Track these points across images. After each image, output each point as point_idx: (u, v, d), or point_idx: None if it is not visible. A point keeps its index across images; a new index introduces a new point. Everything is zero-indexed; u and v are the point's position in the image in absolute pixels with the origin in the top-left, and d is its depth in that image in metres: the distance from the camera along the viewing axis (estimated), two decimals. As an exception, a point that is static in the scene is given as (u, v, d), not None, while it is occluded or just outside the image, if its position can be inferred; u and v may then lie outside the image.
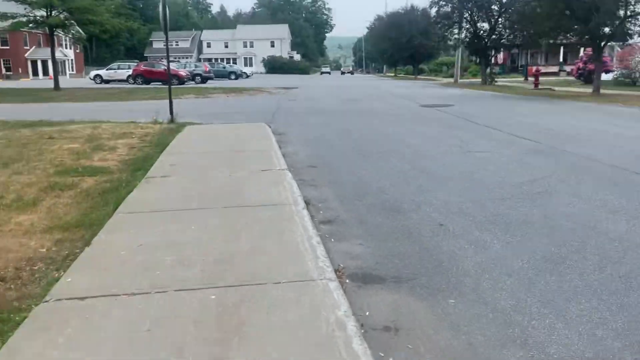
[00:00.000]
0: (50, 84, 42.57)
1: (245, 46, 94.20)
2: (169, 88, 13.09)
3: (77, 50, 74.75)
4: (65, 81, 50.76)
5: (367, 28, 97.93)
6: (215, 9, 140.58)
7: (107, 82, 42.45)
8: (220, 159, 7.62)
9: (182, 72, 39.35)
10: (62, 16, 26.67)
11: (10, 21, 25.57)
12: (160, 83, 38.60)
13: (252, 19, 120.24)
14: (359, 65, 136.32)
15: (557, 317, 3.00)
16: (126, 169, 7.01)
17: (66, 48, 69.03)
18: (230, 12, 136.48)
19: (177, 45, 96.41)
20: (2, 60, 61.81)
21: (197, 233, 4.17)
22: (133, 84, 39.46)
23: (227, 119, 14.10)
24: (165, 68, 41.61)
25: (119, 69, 43.41)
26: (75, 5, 25.09)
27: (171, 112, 12.67)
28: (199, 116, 14.48)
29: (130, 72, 41.24)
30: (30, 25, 26.47)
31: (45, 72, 63.23)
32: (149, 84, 38.86)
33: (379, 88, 34.68)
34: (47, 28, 26.75)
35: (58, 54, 65.31)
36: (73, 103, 21.07)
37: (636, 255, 3.94)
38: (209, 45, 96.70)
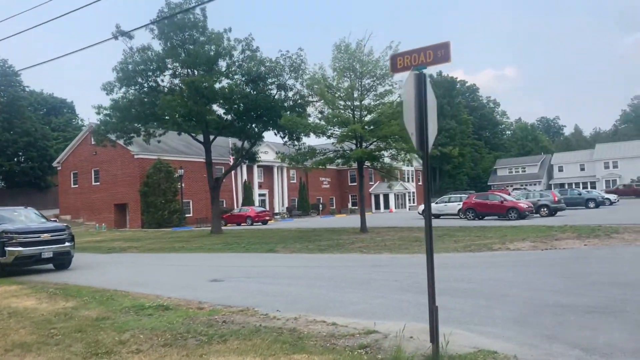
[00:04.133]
0: (385, 217, 40.78)
1: (606, 167, 79.33)
2: (429, 267, 5.76)
3: (419, 183, 74.92)
4: (398, 215, 48.87)
5: None
6: (568, 130, 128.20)
7: (437, 216, 37.57)
8: None
9: (523, 204, 31.27)
10: (372, 147, 23.06)
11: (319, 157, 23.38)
12: (496, 217, 31.47)
13: (613, 137, 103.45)
14: None
15: None
16: None
17: (407, 181, 69.53)
18: (587, 132, 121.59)
19: (524, 171, 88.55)
20: (350, 196, 65.56)
21: None
22: (463, 218, 33.35)
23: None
24: (503, 199, 34.73)
25: (449, 201, 38.22)
26: (382, 133, 21.06)
27: (434, 337, 5.18)
28: (517, 321, 6.68)
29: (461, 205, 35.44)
30: (338, 160, 23.78)
31: (386, 206, 64.05)
32: (482, 219, 32.09)
33: None
34: (357, 162, 23.44)
35: (398, 188, 66.30)
36: (354, 255, 15.79)
37: None
38: (560, 169, 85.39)
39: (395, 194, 64.92)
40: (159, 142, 31.00)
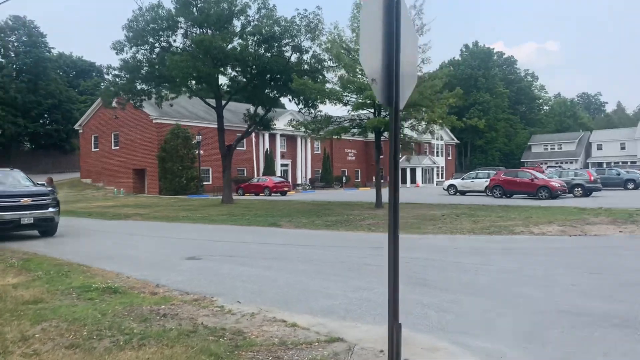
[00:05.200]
0: (409, 192, 39.10)
1: (649, 146, 75.27)
2: (390, 270, 4.64)
3: (449, 158, 72.51)
4: (423, 191, 47.05)
5: None
6: (610, 107, 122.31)
7: (463, 193, 35.73)
8: None
9: (555, 183, 29.18)
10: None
11: (333, 127, 21.76)
12: (525, 196, 29.51)
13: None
14: None
15: None
16: None
17: (436, 155, 67.25)
18: (630, 110, 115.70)
19: (560, 148, 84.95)
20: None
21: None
22: (490, 196, 31.46)
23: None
24: (533, 177, 32.55)
25: (476, 177, 36.23)
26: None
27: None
28: (526, 333, 5.23)
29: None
30: (354, 130, 22.10)
31: (413, 180, 62.10)
32: (510, 197, 30.20)
33: None
34: (374, 132, 21.73)
35: (426, 161, 64.09)
36: (359, 233, 14.36)
37: None
38: (599, 148, 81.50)
39: (422, 168, 62.80)
40: (171, 105, 29.88)
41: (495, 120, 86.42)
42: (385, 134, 21.96)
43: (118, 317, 5.91)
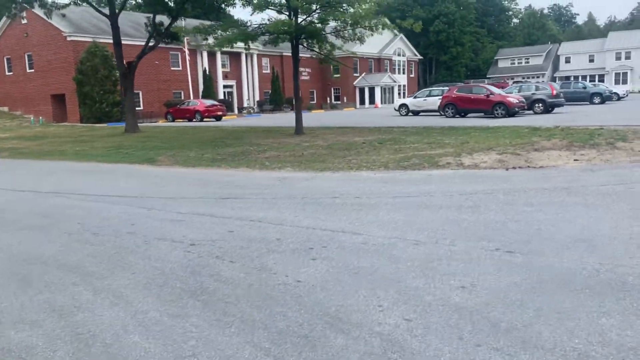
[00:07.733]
0: (362, 114, 35.65)
1: (618, 58, 72.01)
2: None
3: (412, 75, 68.28)
4: (377, 112, 43.48)
5: None
6: (581, 19, 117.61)
7: (416, 113, 32.24)
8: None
9: (512, 99, 25.78)
10: (309, 19, 17.08)
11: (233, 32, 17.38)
12: (481, 114, 26.16)
13: (629, 26, 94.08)
14: None
15: None
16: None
17: (398, 73, 62.99)
18: (601, 21, 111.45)
19: (528, 62, 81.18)
20: (332, 89, 59.36)
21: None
22: (443, 116, 28.05)
23: None
24: (489, 93, 28.99)
25: (429, 95, 32.59)
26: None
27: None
28: None
29: (442, 99, 29.85)
30: (264, 37, 17.76)
31: (372, 100, 58.15)
32: (464, 116, 26.94)
33: None
34: (292, 42, 17.54)
35: (385, 79, 59.87)
36: (241, 171, 10.78)
37: None
38: (567, 61, 77.97)
39: (382, 87, 58.64)
40: (63, 15, 24.92)
41: (461, 34, 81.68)
42: (305, 43, 17.87)
43: None
